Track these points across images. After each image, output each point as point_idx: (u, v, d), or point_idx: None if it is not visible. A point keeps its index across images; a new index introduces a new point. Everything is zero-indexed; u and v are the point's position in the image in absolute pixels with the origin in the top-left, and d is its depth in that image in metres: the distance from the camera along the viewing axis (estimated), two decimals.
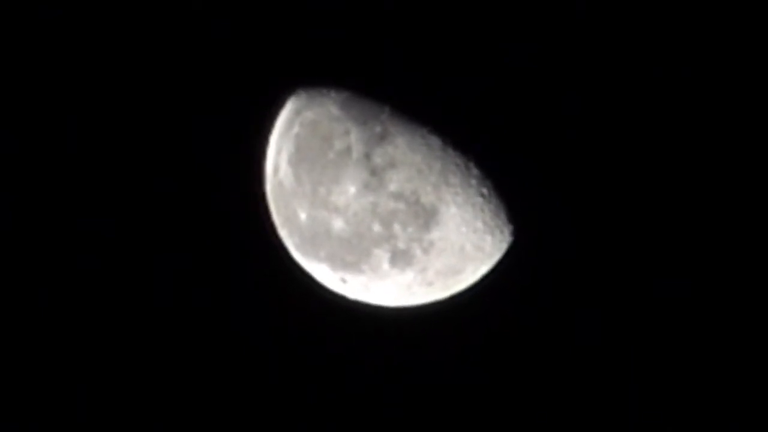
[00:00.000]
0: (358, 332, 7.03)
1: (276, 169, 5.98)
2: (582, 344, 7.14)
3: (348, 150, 5.49)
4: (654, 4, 6.17)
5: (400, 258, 5.65)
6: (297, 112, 5.82)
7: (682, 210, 6.77)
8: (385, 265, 5.69)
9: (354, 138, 5.49)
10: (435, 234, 5.56)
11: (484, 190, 5.55)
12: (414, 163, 5.43)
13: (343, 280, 5.95)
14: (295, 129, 5.79)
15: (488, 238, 5.69)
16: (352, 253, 5.67)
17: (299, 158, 5.72)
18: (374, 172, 5.45)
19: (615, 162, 6.36)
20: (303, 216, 5.77)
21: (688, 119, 6.49)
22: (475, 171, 5.50)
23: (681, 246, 6.82)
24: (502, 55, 5.50)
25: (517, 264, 5.99)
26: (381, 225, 5.54)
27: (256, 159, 6.15)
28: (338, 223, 5.61)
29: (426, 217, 5.51)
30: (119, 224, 7.02)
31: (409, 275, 5.76)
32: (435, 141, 5.43)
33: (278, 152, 5.96)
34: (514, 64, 5.50)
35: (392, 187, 5.46)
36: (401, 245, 5.60)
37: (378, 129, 5.46)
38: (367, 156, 5.45)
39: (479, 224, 5.62)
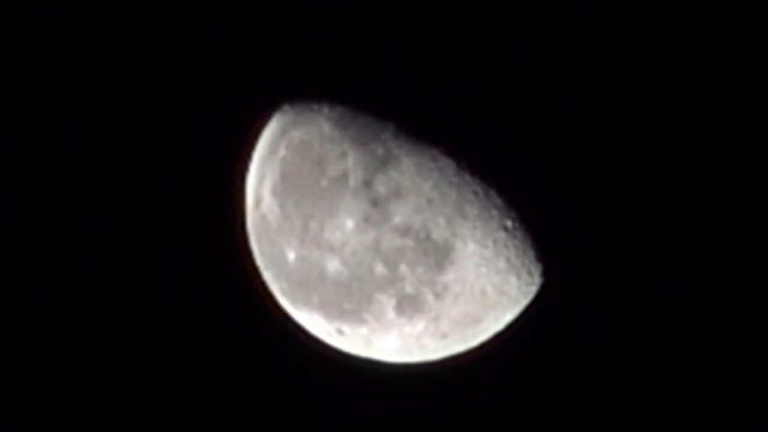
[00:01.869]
0: (357, 394, 6.87)
1: (258, 201, 5.77)
2: (626, 408, 7.00)
3: (344, 176, 5.27)
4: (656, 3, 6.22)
5: (408, 305, 5.41)
6: (282, 132, 5.64)
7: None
8: (390, 314, 5.46)
9: (351, 162, 5.27)
10: (449, 276, 5.32)
11: (508, 223, 5.32)
12: (423, 191, 5.22)
13: (340, 332, 5.70)
14: (281, 152, 5.59)
15: (513, 280, 5.47)
16: (351, 299, 5.46)
17: (286, 187, 5.51)
18: (376, 202, 5.23)
19: (661, 195, 6.47)
20: (291, 256, 5.54)
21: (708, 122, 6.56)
22: (496, 200, 5.27)
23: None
24: (529, 64, 5.40)
25: (548, 311, 5.87)
26: (385, 266, 5.30)
27: (234, 189, 6.03)
28: (333, 264, 5.38)
29: (438, 255, 5.27)
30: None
31: (418, 325, 5.52)
32: (448, 164, 5.21)
33: (260, 180, 5.77)
34: (544, 77, 5.42)
35: (397, 220, 5.22)
36: (409, 289, 5.36)
37: (380, 151, 5.23)
38: (368, 183, 5.23)
39: (502, 264, 5.38)
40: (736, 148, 6.64)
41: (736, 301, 6.86)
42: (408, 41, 5.31)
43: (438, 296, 5.37)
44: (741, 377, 6.91)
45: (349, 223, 5.25)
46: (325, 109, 5.41)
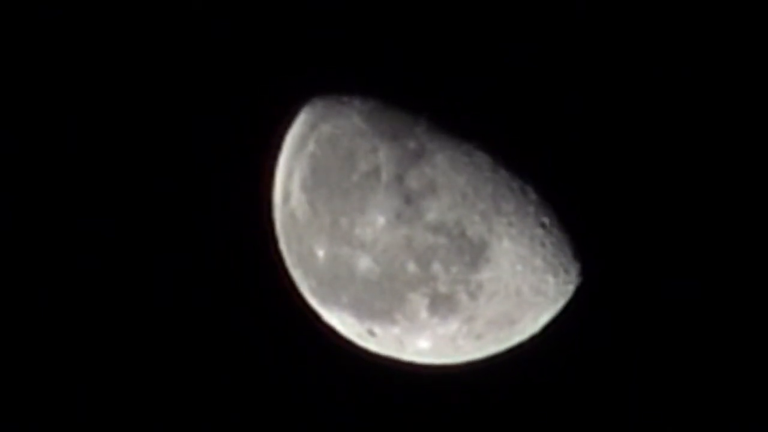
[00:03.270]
0: (389, 396, 6.94)
1: (287, 197, 5.78)
2: (663, 414, 7.00)
3: (376, 171, 5.25)
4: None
5: (442, 304, 5.39)
6: (312, 126, 5.63)
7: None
8: (423, 314, 5.43)
9: (383, 157, 5.24)
10: (484, 274, 5.29)
11: (545, 220, 5.29)
12: (457, 186, 5.19)
13: (371, 332, 5.69)
14: (310, 147, 5.59)
15: (550, 279, 5.46)
16: (382, 298, 5.44)
17: (315, 183, 5.51)
18: (408, 198, 5.20)
19: (701, 188, 6.44)
20: (321, 254, 5.53)
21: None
22: (533, 196, 5.24)
23: None
24: (570, 55, 5.34)
25: (587, 311, 5.89)
26: (417, 264, 5.27)
27: (263, 184, 6.04)
28: (364, 262, 5.36)
29: (473, 253, 5.24)
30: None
31: (452, 326, 5.49)
32: (483, 159, 5.18)
33: (289, 176, 5.77)
34: (585, 67, 5.37)
35: (431, 216, 5.19)
36: (443, 289, 5.33)
37: (412, 145, 5.20)
38: (400, 179, 5.20)
39: (539, 262, 5.36)
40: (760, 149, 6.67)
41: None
42: (444, 33, 5.28)
43: (472, 296, 5.34)
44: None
45: (381, 220, 5.23)
46: (356, 102, 5.38)
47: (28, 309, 7.19)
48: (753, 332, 6.90)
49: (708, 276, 6.81)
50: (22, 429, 7.23)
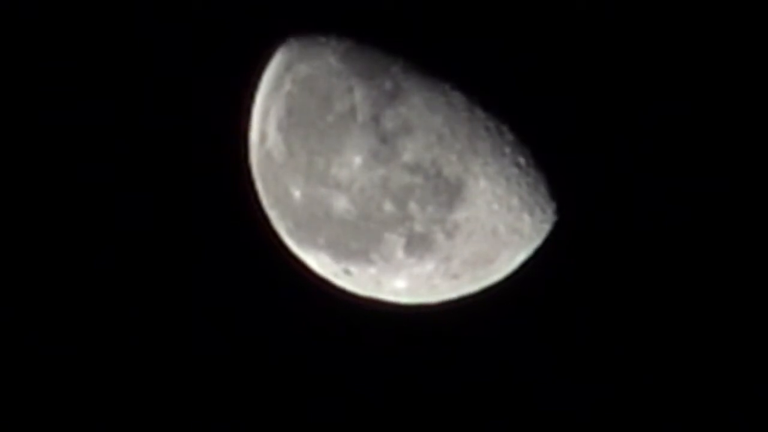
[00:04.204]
0: (366, 336, 6.93)
1: (263, 137, 5.75)
2: (641, 350, 7.05)
3: (351, 112, 5.23)
4: None
5: (418, 244, 5.39)
6: (288, 66, 5.58)
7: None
8: (400, 254, 5.44)
9: (359, 97, 5.21)
10: (461, 214, 5.30)
11: (521, 159, 5.27)
12: (434, 126, 5.17)
13: (348, 272, 5.69)
14: (286, 87, 5.54)
15: (526, 217, 5.45)
16: (359, 238, 5.44)
17: (291, 123, 5.47)
18: (384, 138, 5.19)
19: (679, 124, 6.50)
20: (297, 194, 5.52)
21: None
22: (509, 136, 5.21)
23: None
24: None
25: (562, 250, 5.85)
26: (394, 204, 5.28)
27: (238, 124, 6.01)
28: (341, 203, 5.36)
29: (449, 193, 5.25)
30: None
31: (429, 265, 5.51)
32: (459, 99, 5.15)
33: (265, 116, 5.72)
34: (569, 12, 5.34)
35: (407, 156, 5.19)
36: (419, 228, 5.33)
37: (388, 85, 5.16)
38: (376, 119, 5.18)
39: (515, 201, 5.35)
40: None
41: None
42: None
43: (449, 235, 5.34)
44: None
45: (357, 160, 5.22)
46: (332, 42, 5.34)
47: (27, 309, 7.23)
48: (731, 272, 6.96)
49: (688, 211, 6.86)
50: (23, 429, 7.26)
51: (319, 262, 5.80)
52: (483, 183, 5.23)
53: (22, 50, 6.90)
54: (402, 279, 5.61)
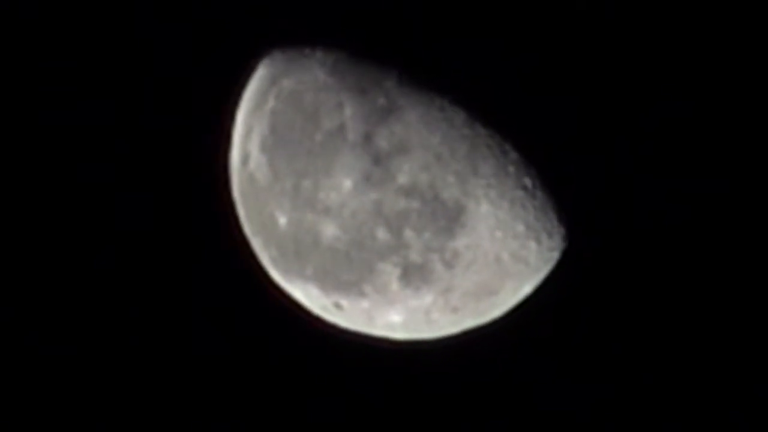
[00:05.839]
0: (358, 374, 6.98)
1: (245, 158, 5.73)
2: (641, 350, 7.10)
3: (341, 130, 5.17)
4: None
5: (415, 275, 5.33)
6: (272, 81, 5.57)
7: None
8: (395, 285, 5.38)
9: (349, 113, 5.15)
10: (461, 241, 5.24)
11: (527, 181, 5.23)
12: (431, 145, 5.10)
13: (339, 306, 5.64)
14: (270, 103, 5.52)
15: (532, 245, 5.41)
16: (350, 269, 5.39)
17: (276, 142, 5.43)
18: (377, 159, 5.13)
19: (679, 125, 6.56)
20: (282, 220, 5.46)
21: None
22: (513, 155, 5.16)
23: None
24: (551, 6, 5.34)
25: (571, 280, 5.91)
26: (388, 231, 5.21)
27: (219, 145, 6.02)
28: (330, 230, 5.29)
29: (448, 218, 5.18)
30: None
31: (426, 298, 5.45)
32: (459, 115, 5.10)
33: (247, 135, 5.72)
34: (567, 17, 5.35)
35: (402, 179, 5.12)
36: (415, 258, 5.27)
37: (381, 101, 5.11)
38: (368, 137, 5.12)
39: (520, 227, 5.30)
40: None
41: None
42: None
43: (448, 265, 5.27)
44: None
45: (347, 183, 5.16)
46: (319, 55, 5.29)
47: (27, 308, 7.37)
48: (743, 300, 7.02)
49: (697, 238, 6.93)
50: (22, 429, 7.43)
51: (306, 295, 5.74)
52: (485, 207, 5.16)
53: (22, 50, 7.11)
54: (397, 313, 5.54)
